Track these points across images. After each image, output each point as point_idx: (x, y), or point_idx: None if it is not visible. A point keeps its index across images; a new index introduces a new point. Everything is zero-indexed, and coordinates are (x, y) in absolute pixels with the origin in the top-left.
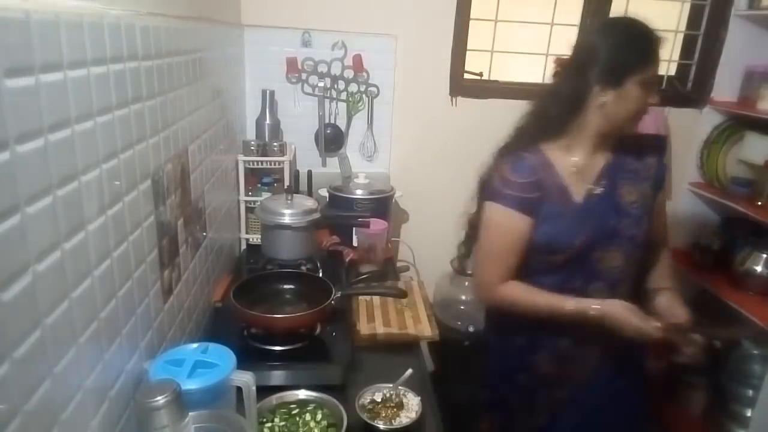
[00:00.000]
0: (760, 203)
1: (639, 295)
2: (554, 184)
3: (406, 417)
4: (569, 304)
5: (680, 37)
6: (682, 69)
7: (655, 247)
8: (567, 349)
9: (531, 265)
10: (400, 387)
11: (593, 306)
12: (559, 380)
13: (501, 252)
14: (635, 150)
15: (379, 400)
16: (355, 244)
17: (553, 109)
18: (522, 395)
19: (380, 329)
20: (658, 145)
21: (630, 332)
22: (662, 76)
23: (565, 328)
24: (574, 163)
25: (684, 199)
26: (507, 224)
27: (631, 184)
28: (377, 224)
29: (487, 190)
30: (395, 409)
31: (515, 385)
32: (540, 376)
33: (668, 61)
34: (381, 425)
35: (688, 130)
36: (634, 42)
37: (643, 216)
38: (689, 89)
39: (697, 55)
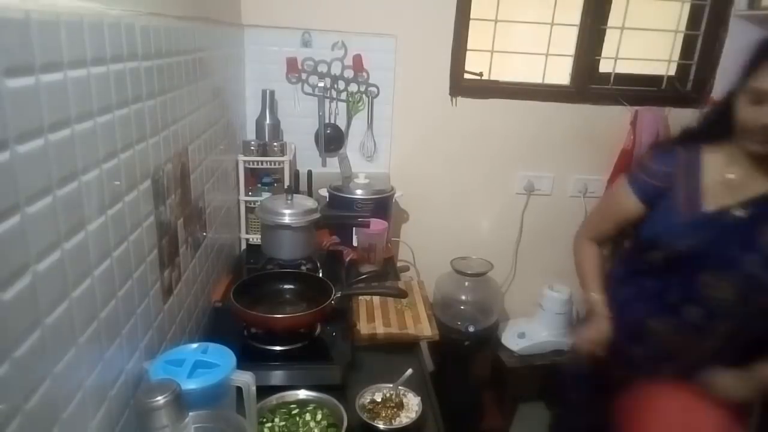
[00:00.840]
0: None
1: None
2: (689, 185)
3: (406, 417)
4: (591, 292)
5: (680, 37)
6: (682, 69)
7: None
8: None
9: (636, 262)
10: (400, 387)
11: (593, 303)
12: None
13: (602, 216)
14: None
15: (379, 400)
16: (355, 244)
17: (715, 114)
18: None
19: (380, 329)
20: None
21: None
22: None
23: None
24: (725, 175)
25: None
26: (620, 198)
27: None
28: (377, 224)
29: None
30: (395, 410)
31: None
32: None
33: (668, 61)
34: (381, 425)
35: None
36: (755, 47)
37: None
38: (689, 89)
39: (697, 55)
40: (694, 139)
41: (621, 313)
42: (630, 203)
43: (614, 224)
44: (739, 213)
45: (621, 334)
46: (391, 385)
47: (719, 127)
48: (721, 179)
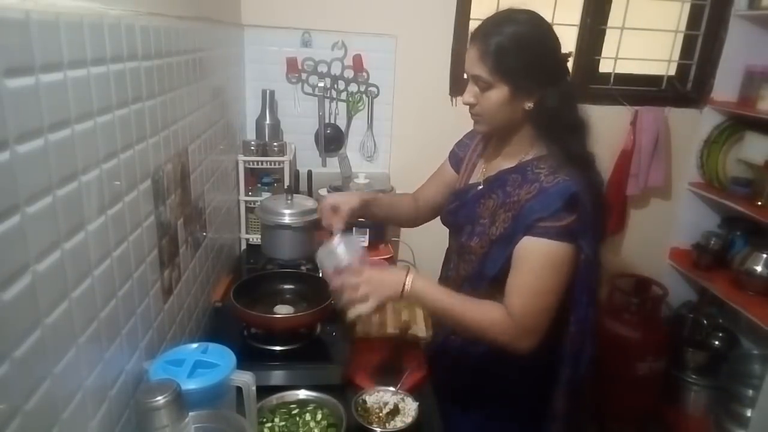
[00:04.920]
0: (759, 203)
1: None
2: (472, 158)
3: (401, 421)
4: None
5: (680, 37)
6: (682, 69)
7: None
8: None
9: None
10: (398, 390)
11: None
12: None
13: (430, 179)
14: (526, 174)
15: (377, 402)
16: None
17: None
18: None
19: (375, 329)
20: (550, 194)
21: None
22: (474, 75)
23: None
24: (493, 153)
25: (684, 199)
26: (444, 165)
27: (494, 203)
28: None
29: None
30: (392, 413)
31: None
32: None
33: (668, 61)
34: (377, 429)
35: (688, 130)
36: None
37: (480, 236)
38: (689, 89)
39: (697, 55)
40: None
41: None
42: (446, 168)
43: (433, 188)
44: (480, 187)
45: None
46: (390, 388)
47: None
48: (488, 157)
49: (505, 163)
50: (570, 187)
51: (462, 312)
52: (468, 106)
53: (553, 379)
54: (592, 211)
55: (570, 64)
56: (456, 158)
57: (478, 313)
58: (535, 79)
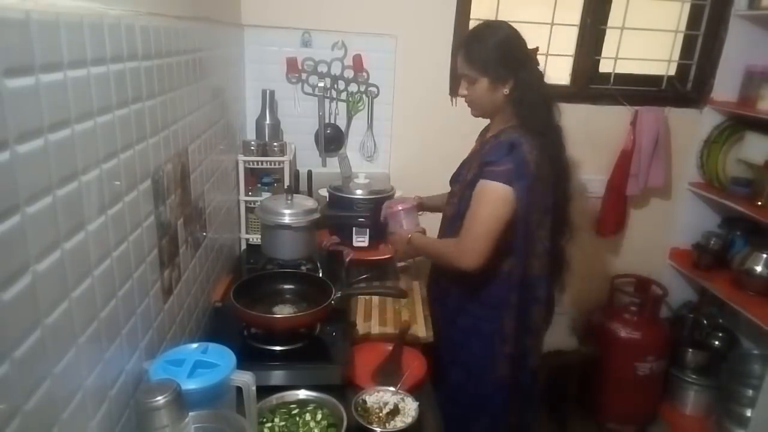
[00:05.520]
0: (760, 203)
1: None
2: (480, 137)
3: (401, 421)
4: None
5: (680, 37)
6: (682, 69)
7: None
8: None
9: None
10: (398, 390)
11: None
12: None
13: None
14: (491, 141)
15: (377, 402)
16: (357, 243)
17: None
18: None
19: (375, 329)
20: (498, 146)
21: None
22: (463, 74)
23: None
24: (479, 135)
25: (684, 199)
26: None
27: (473, 161)
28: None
29: None
30: (392, 413)
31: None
32: None
33: (668, 61)
34: (377, 429)
35: (688, 130)
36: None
37: (456, 194)
38: (689, 89)
39: (697, 55)
40: None
41: None
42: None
43: None
44: (469, 155)
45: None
46: (390, 388)
47: None
48: (481, 136)
49: (489, 135)
50: (515, 138)
51: (434, 247)
52: (464, 98)
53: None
54: (535, 164)
55: (540, 58)
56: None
57: (442, 244)
58: (506, 69)
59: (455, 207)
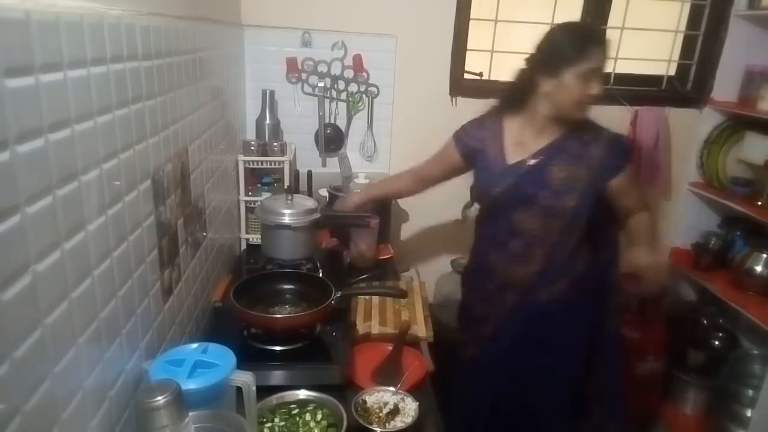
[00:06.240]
0: (760, 203)
1: (561, 263)
2: (495, 145)
3: (401, 421)
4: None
5: (680, 37)
6: (682, 69)
7: (626, 217)
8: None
9: (479, 216)
10: (398, 390)
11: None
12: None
13: (431, 162)
14: (583, 139)
15: (377, 402)
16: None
17: (511, 93)
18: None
19: (375, 329)
20: (615, 144)
21: None
22: (603, 72)
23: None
24: (520, 136)
25: (684, 199)
26: (445, 148)
27: (565, 165)
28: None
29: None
30: (392, 413)
31: (462, 320)
32: (474, 312)
33: (668, 61)
34: (377, 429)
35: (688, 130)
36: (569, 40)
37: (566, 193)
38: (689, 89)
39: (697, 55)
40: (497, 111)
41: (476, 256)
42: (454, 155)
43: (438, 169)
44: (531, 162)
45: (477, 272)
46: (390, 388)
47: (512, 103)
48: (517, 139)
49: (547, 137)
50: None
51: (650, 234)
52: (595, 97)
53: None
54: None
55: None
56: (467, 147)
57: (645, 226)
58: None
59: (568, 217)
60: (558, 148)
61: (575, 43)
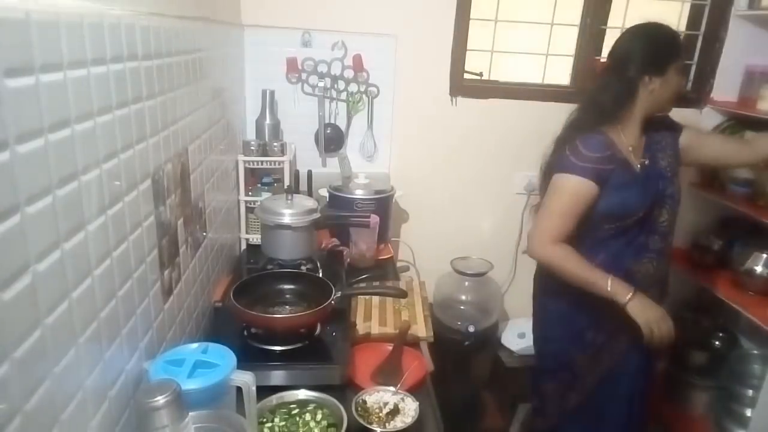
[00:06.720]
0: (760, 203)
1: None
2: (621, 159)
3: (401, 421)
4: (605, 284)
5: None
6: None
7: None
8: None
9: (599, 233)
10: (398, 390)
11: (621, 298)
12: (618, 332)
13: (566, 214)
14: (656, 127)
15: (377, 402)
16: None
17: (608, 101)
18: (588, 350)
19: (375, 329)
20: (665, 121)
21: (642, 324)
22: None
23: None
24: (627, 142)
25: (684, 199)
26: (579, 190)
27: (662, 153)
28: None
29: (558, 168)
30: (392, 413)
31: (584, 342)
32: (605, 329)
33: None
34: (377, 429)
35: None
36: (667, 37)
37: (674, 177)
38: (689, 89)
39: (697, 55)
40: (591, 126)
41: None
42: (593, 192)
43: (579, 217)
44: (646, 162)
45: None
46: (390, 388)
47: (611, 111)
48: (629, 147)
49: (641, 134)
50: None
51: None
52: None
53: None
54: None
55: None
56: (602, 174)
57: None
58: None
59: (677, 182)
60: (651, 141)
61: (676, 39)
